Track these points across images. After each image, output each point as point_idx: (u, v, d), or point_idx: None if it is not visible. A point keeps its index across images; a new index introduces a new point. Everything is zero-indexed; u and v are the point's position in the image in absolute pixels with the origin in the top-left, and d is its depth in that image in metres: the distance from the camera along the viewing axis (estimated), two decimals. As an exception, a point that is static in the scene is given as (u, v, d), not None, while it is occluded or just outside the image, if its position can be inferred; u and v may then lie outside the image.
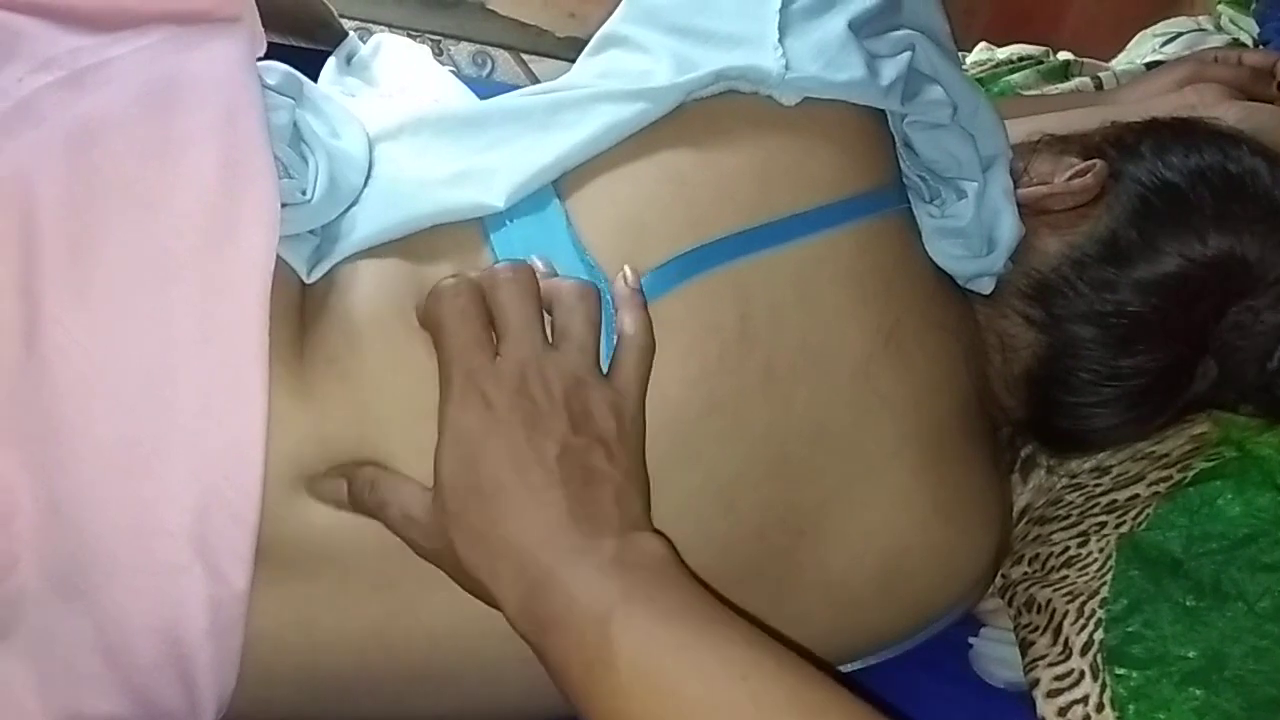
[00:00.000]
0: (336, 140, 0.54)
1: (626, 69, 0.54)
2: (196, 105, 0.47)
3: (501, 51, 1.33)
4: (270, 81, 0.53)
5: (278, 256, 0.47)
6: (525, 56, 1.34)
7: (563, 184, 0.51)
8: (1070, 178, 0.57)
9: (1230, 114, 0.66)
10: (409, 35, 1.20)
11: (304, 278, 0.49)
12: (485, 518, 0.42)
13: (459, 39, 1.32)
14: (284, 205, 0.47)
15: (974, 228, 0.55)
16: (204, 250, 0.45)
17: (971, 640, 0.62)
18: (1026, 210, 0.56)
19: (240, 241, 0.45)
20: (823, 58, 0.52)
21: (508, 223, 0.50)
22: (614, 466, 0.43)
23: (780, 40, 0.52)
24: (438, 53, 1.28)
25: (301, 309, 0.49)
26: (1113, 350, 0.55)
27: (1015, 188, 0.57)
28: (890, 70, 0.54)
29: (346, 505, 0.46)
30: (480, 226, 0.50)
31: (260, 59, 0.54)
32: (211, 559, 0.44)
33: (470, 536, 0.43)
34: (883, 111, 0.55)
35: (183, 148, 0.46)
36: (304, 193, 0.49)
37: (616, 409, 0.45)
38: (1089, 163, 0.57)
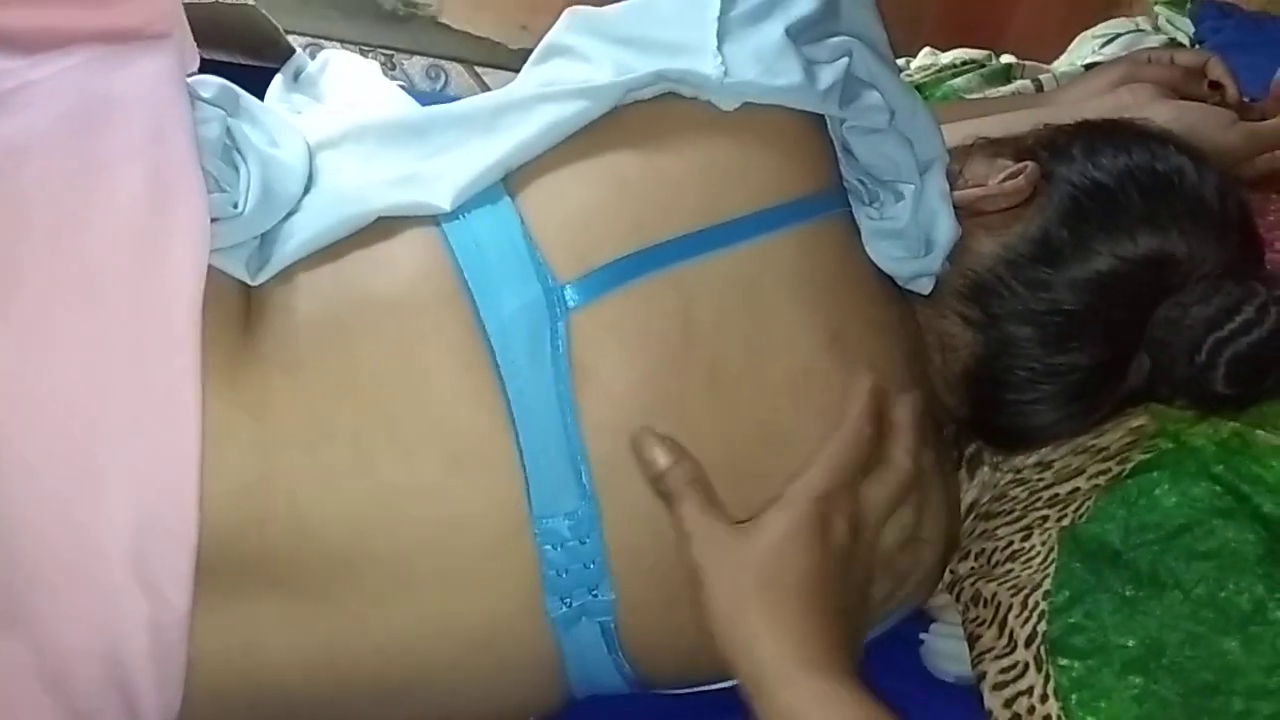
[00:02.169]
0: (274, 149, 0.54)
1: (569, 77, 0.55)
2: (122, 124, 0.47)
3: (455, 65, 1.33)
4: (205, 95, 0.53)
5: (215, 269, 0.47)
6: (479, 69, 1.34)
7: (512, 181, 0.52)
8: (1003, 180, 0.57)
9: (1162, 113, 0.68)
10: (361, 51, 1.20)
11: (249, 281, 0.49)
12: (786, 593, 0.47)
13: (412, 53, 1.32)
14: (215, 220, 0.47)
15: (912, 229, 0.56)
16: (133, 270, 0.44)
17: (922, 636, 0.63)
18: (962, 212, 0.57)
19: (169, 260, 0.45)
20: (760, 63, 0.53)
21: (461, 217, 0.50)
22: (862, 635, 0.52)
23: (719, 47, 0.53)
24: (390, 67, 1.28)
25: (244, 318, 0.49)
26: (1048, 348, 0.56)
27: (951, 189, 0.57)
28: (828, 75, 0.55)
29: (654, 472, 0.48)
30: (433, 224, 0.50)
31: (204, 75, 0.54)
32: (150, 580, 0.43)
33: (766, 600, 0.47)
34: (822, 117, 0.56)
35: (109, 168, 0.46)
36: (236, 205, 0.49)
37: (868, 607, 0.53)
38: (1020, 164, 0.58)
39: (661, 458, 0.48)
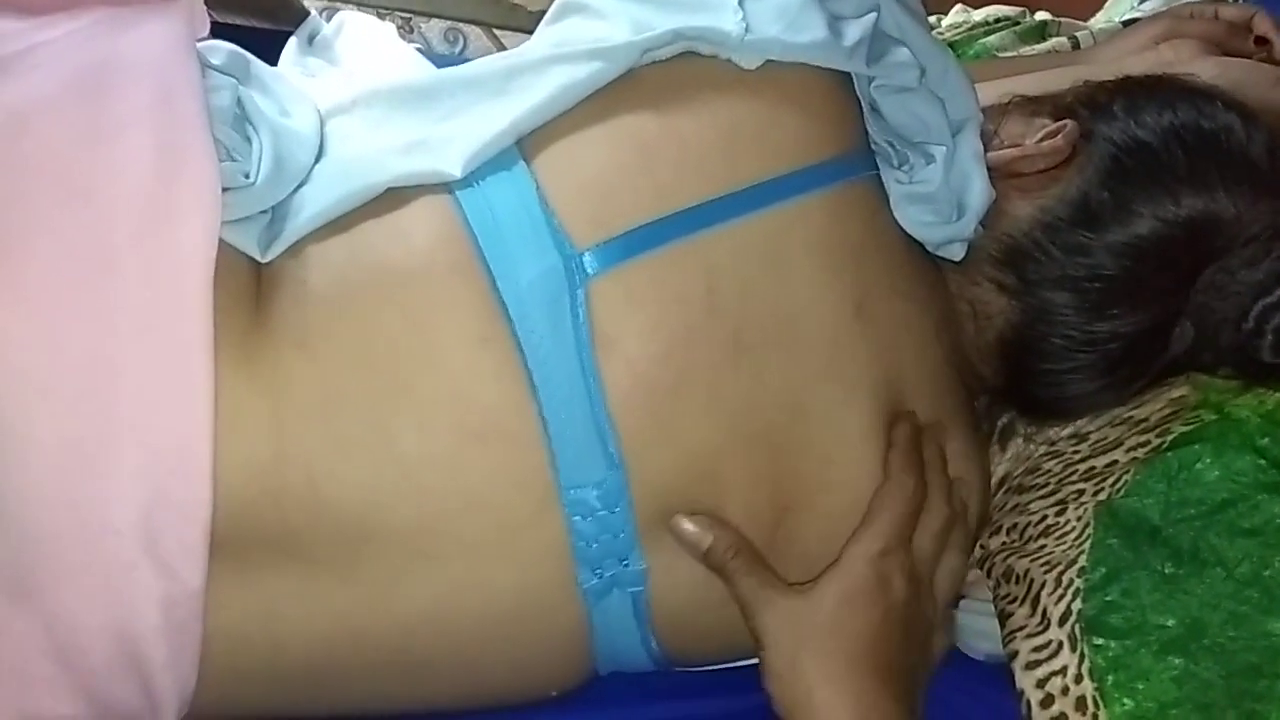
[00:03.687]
0: (286, 119, 0.53)
1: (584, 36, 0.53)
2: (130, 89, 0.46)
3: (474, 27, 1.31)
4: (215, 61, 0.52)
5: (224, 241, 0.46)
6: (498, 32, 1.32)
7: (527, 146, 0.50)
8: (1041, 139, 0.55)
9: (1206, 69, 0.65)
10: (378, 13, 1.18)
11: (258, 257, 0.48)
12: (841, 654, 0.48)
13: (430, 16, 1.30)
14: (226, 189, 0.46)
15: (943, 193, 0.54)
16: (142, 238, 0.44)
17: (951, 612, 0.62)
18: (997, 174, 0.55)
19: (179, 228, 0.44)
20: (783, 19, 0.51)
21: (475, 184, 0.49)
22: (923, 690, 0.52)
23: (740, 2, 0.51)
24: (408, 30, 1.26)
25: (255, 293, 0.48)
26: (1087, 315, 0.54)
27: (985, 151, 0.55)
28: (854, 32, 0.53)
29: (698, 553, 0.49)
30: (446, 191, 0.49)
31: (219, 39, 0.53)
32: (162, 556, 0.43)
33: (821, 660, 0.48)
34: (849, 76, 0.54)
35: (116, 133, 0.45)
36: (247, 175, 0.48)
37: (932, 658, 0.53)
38: (1059, 123, 0.55)
39: (702, 537, 0.49)
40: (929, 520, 0.52)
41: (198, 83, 0.47)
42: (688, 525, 0.49)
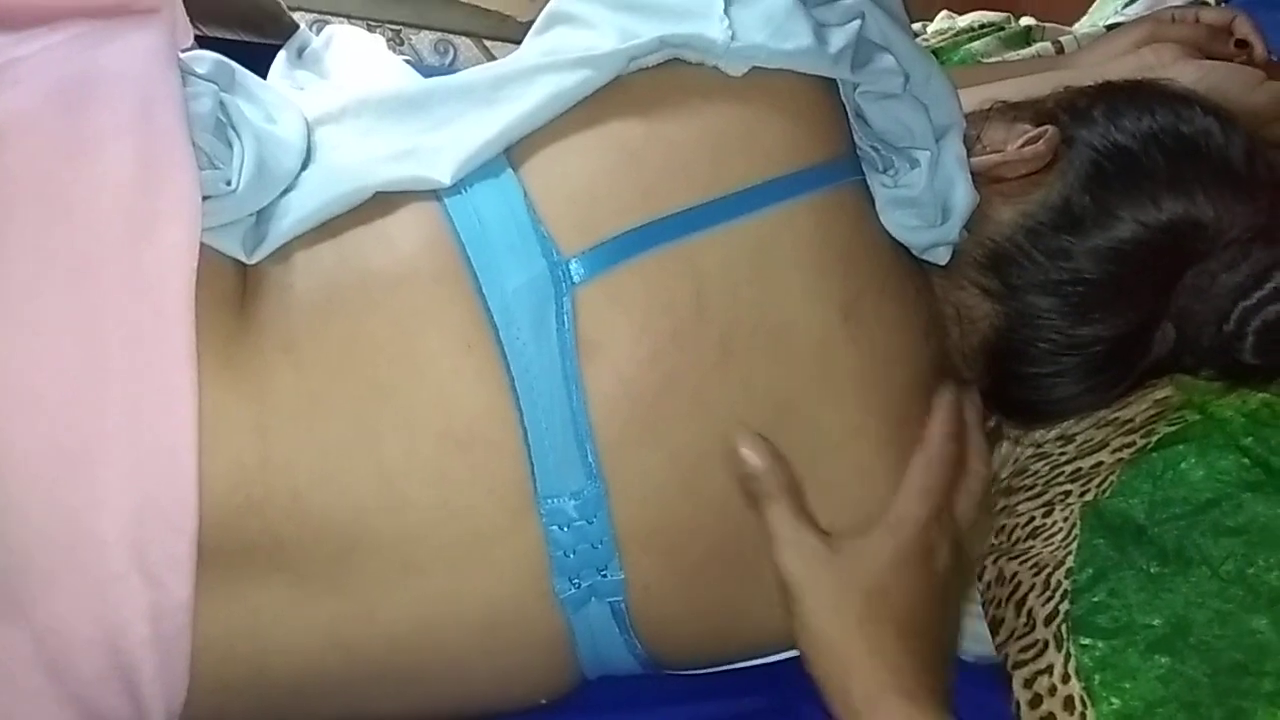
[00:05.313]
0: (271, 125, 0.53)
1: (572, 45, 0.53)
2: (111, 101, 0.46)
3: (463, 39, 1.32)
4: (199, 70, 0.52)
5: (209, 247, 0.46)
6: (488, 43, 1.32)
7: (515, 154, 0.51)
8: (1022, 145, 0.56)
9: (1187, 73, 0.66)
10: (368, 26, 1.19)
11: (245, 260, 0.48)
12: (890, 620, 0.47)
13: (420, 28, 1.31)
14: (207, 197, 0.46)
15: (928, 197, 0.54)
16: (123, 250, 0.44)
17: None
18: (980, 179, 0.56)
19: (160, 239, 0.44)
20: (769, 26, 0.52)
21: (463, 191, 0.49)
22: (955, 653, 0.52)
23: (726, 10, 0.52)
24: (398, 42, 1.27)
25: (241, 298, 0.48)
26: (1070, 319, 0.54)
27: (969, 156, 0.56)
28: (839, 38, 0.53)
29: (742, 475, 0.48)
30: (435, 198, 0.50)
31: (200, 50, 0.53)
32: (149, 568, 0.43)
33: (869, 625, 0.47)
34: (834, 82, 0.54)
35: (97, 146, 0.45)
36: (229, 183, 0.48)
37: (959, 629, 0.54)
38: (1040, 129, 0.56)
39: (756, 458, 0.48)
40: (970, 483, 0.52)
41: (179, 94, 0.47)
42: (746, 446, 0.48)
